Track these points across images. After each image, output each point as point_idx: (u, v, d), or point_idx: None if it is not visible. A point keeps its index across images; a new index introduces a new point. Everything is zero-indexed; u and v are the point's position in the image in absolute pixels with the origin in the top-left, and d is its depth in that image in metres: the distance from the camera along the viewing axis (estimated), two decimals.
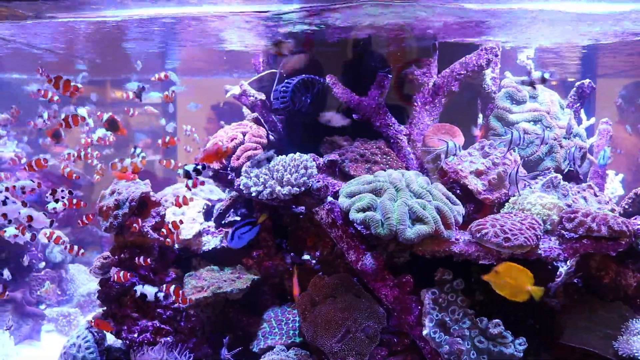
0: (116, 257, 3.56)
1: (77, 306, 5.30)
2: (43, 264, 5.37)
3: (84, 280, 5.62)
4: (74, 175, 3.65)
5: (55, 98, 4.00)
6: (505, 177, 3.40)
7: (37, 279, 5.29)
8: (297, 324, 3.43)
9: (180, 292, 3.16)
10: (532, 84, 3.44)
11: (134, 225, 3.41)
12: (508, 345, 2.86)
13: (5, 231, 3.62)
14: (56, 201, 3.55)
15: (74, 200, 3.45)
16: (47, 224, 3.37)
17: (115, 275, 3.35)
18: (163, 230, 3.51)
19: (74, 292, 5.50)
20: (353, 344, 3.07)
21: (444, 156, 3.36)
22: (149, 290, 3.19)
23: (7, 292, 3.26)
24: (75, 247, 3.57)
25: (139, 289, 3.21)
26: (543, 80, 3.38)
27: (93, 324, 3.41)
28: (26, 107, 6.13)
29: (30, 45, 4.76)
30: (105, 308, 3.57)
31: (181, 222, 3.59)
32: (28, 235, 3.54)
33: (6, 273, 4.43)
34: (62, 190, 3.46)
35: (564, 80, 7.13)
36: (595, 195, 3.61)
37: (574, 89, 4.28)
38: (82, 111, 4.80)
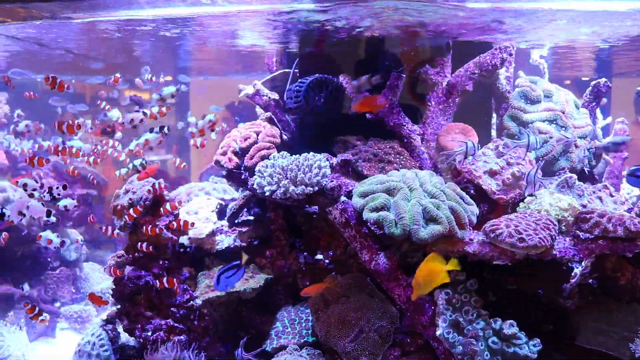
0: (130, 256, 3.59)
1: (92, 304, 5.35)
2: (58, 262, 5.42)
3: (98, 279, 5.66)
4: (77, 172, 3.66)
5: (82, 128, 4.01)
6: (523, 177, 3.37)
7: (52, 277, 5.34)
8: (310, 324, 3.43)
9: (175, 280, 3.26)
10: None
11: (138, 209, 3.42)
12: (522, 346, 2.83)
13: (41, 236, 3.68)
14: (53, 198, 3.58)
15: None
16: (43, 213, 3.40)
17: (112, 269, 3.40)
18: (173, 223, 3.52)
19: (88, 291, 5.55)
20: (366, 344, 3.07)
21: (463, 157, 3.34)
22: None
23: (39, 309, 3.30)
24: (110, 228, 3.55)
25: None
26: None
27: (88, 298, 3.43)
28: (42, 109, 6.20)
29: (47, 46, 4.80)
30: (119, 306, 3.60)
31: (192, 224, 3.61)
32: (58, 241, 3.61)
33: (26, 288, 4.51)
34: (57, 188, 3.49)
35: (578, 80, 7.08)
36: (611, 195, 3.57)
37: (590, 88, 4.24)
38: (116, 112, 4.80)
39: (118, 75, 4.37)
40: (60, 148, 3.46)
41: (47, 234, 3.68)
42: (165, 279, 3.32)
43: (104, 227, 3.46)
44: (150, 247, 3.44)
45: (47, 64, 5.93)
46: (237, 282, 3.24)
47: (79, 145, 5.23)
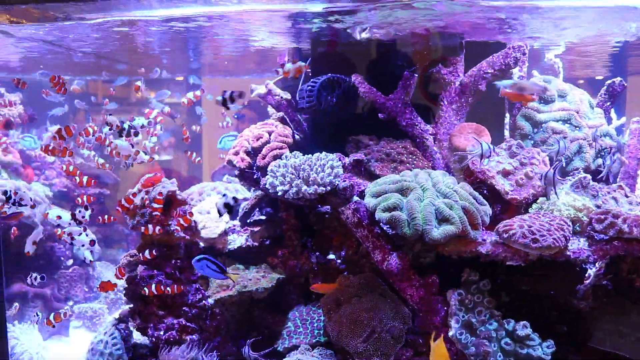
0: (142, 255, 3.60)
1: (104, 303, 5.38)
2: (71, 261, 5.45)
3: (111, 278, 5.68)
4: (86, 180, 3.68)
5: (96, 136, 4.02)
6: (536, 177, 3.35)
7: (65, 276, 5.38)
8: (321, 324, 3.43)
9: (162, 287, 3.32)
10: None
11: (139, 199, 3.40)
12: (535, 347, 2.82)
13: (74, 239, 3.70)
14: (79, 222, 3.59)
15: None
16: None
17: (118, 270, 3.42)
18: (181, 217, 3.50)
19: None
20: (378, 344, 3.06)
21: (479, 159, 3.32)
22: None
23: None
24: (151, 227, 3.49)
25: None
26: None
27: (99, 288, 3.45)
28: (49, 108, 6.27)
29: (61, 46, 4.83)
30: (131, 305, 3.61)
31: (191, 214, 3.58)
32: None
33: (38, 278, 4.54)
34: (80, 212, 3.50)
35: (591, 79, 7.02)
36: (626, 196, 3.53)
37: (604, 87, 4.20)
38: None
39: (139, 84, 4.40)
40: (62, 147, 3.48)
41: (82, 237, 3.71)
42: (154, 286, 3.32)
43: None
44: (154, 251, 3.42)
45: (60, 64, 5.97)
46: (208, 275, 3.27)
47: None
